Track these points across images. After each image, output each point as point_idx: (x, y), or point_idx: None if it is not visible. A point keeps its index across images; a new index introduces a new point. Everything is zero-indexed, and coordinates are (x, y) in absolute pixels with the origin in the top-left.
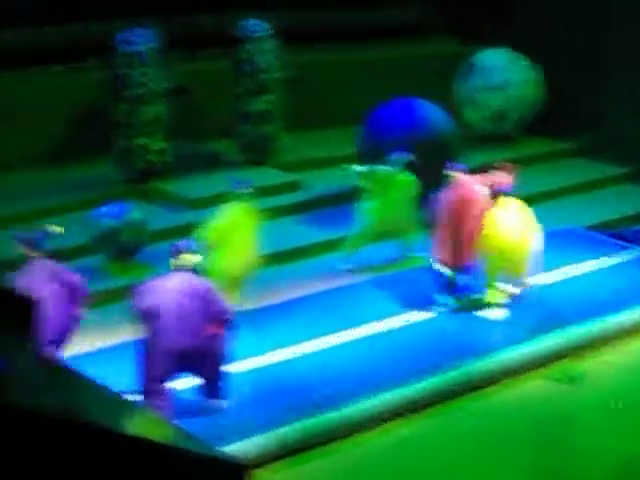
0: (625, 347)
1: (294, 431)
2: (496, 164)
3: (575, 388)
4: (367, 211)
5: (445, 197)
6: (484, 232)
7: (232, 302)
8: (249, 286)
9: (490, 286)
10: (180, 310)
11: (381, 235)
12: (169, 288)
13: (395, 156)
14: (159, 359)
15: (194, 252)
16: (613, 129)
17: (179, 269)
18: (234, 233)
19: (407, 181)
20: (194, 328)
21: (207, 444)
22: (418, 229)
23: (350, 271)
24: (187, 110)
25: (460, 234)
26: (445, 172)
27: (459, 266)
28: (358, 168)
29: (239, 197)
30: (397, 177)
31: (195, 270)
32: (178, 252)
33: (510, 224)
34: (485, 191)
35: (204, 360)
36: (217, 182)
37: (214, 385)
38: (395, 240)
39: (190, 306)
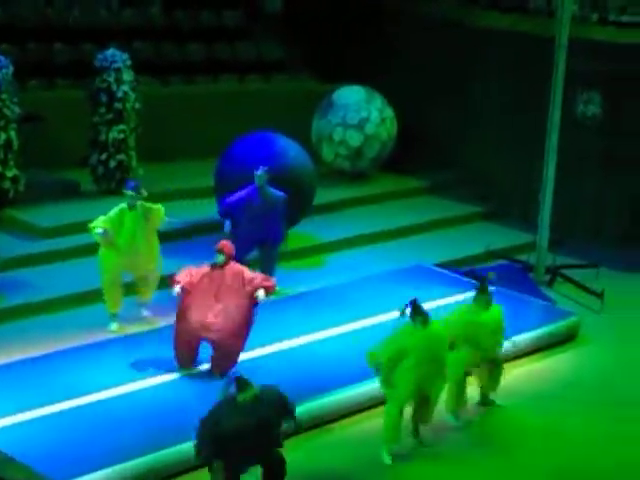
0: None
1: (139, 465)
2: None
3: None
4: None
5: None
6: None
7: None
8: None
9: None
10: None
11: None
12: None
13: (127, 190)
14: None
15: None
16: (467, 168)
17: None
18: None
19: (143, 211)
20: None
21: (45, 478)
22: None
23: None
24: (42, 138)
25: None
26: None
27: None
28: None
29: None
30: (129, 212)
31: None
32: None
33: None
34: None
35: None
36: (70, 211)
37: None
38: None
39: None
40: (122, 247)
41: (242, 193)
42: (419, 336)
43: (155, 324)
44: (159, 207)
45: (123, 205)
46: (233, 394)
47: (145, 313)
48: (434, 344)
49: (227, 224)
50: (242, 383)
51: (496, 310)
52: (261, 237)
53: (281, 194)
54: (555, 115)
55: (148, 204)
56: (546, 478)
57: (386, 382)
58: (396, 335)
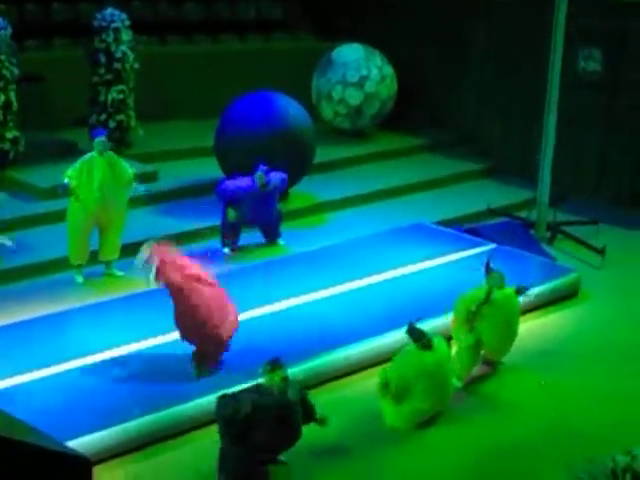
0: None
1: (140, 425)
2: None
3: None
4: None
5: None
6: None
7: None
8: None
9: None
10: None
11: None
12: None
13: (99, 138)
14: None
15: None
16: (467, 125)
17: None
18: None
19: (110, 161)
20: None
21: (51, 438)
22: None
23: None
24: (41, 99)
25: None
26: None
27: None
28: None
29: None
30: (99, 159)
31: None
32: None
33: None
34: None
35: None
36: None
37: None
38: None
39: None
40: (90, 196)
41: (242, 184)
42: (427, 362)
43: (125, 282)
44: (128, 168)
45: (92, 153)
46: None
47: (116, 271)
48: (442, 368)
49: (231, 214)
50: (275, 364)
51: (509, 290)
52: (259, 218)
53: (279, 179)
54: (555, 71)
55: (118, 158)
56: (547, 434)
57: (396, 400)
58: (405, 360)
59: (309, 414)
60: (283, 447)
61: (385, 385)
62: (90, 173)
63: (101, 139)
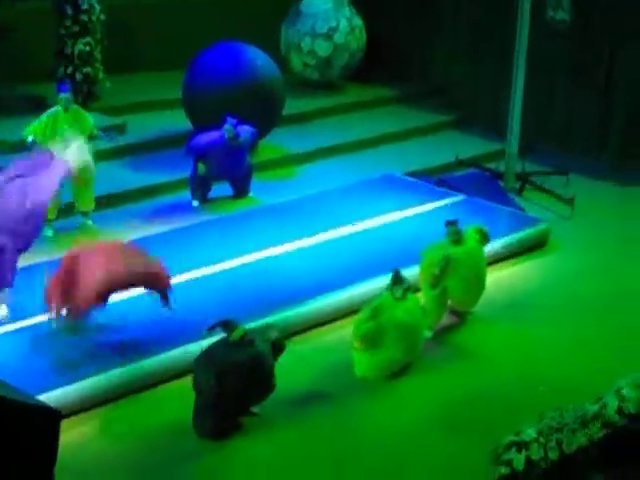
0: None
1: (113, 378)
2: None
3: None
4: None
5: None
6: None
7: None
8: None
9: None
10: None
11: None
12: None
13: (62, 93)
14: None
15: None
16: (437, 78)
17: None
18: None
19: (76, 116)
20: None
21: (20, 391)
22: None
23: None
24: (9, 51)
25: None
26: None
27: None
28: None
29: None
30: (64, 115)
31: None
32: None
33: None
34: None
35: None
36: None
37: None
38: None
39: None
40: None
41: (212, 138)
42: (398, 311)
43: (96, 236)
44: (88, 116)
45: (57, 108)
46: (225, 337)
47: (89, 223)
48: (413, 318)
49: (201, 168)
50: (228, 325)
51: (472, 243)
52: (230, 172)
53: (249, 133)
54: (524, 20)
55: (83, 112)
56: (517, 383)
57: (370, 346)
58: (376, 308)
59: (279, 349)
60: (256, 399)
61: (375, 310)
62: (54, 128)
63: (65, 95)
